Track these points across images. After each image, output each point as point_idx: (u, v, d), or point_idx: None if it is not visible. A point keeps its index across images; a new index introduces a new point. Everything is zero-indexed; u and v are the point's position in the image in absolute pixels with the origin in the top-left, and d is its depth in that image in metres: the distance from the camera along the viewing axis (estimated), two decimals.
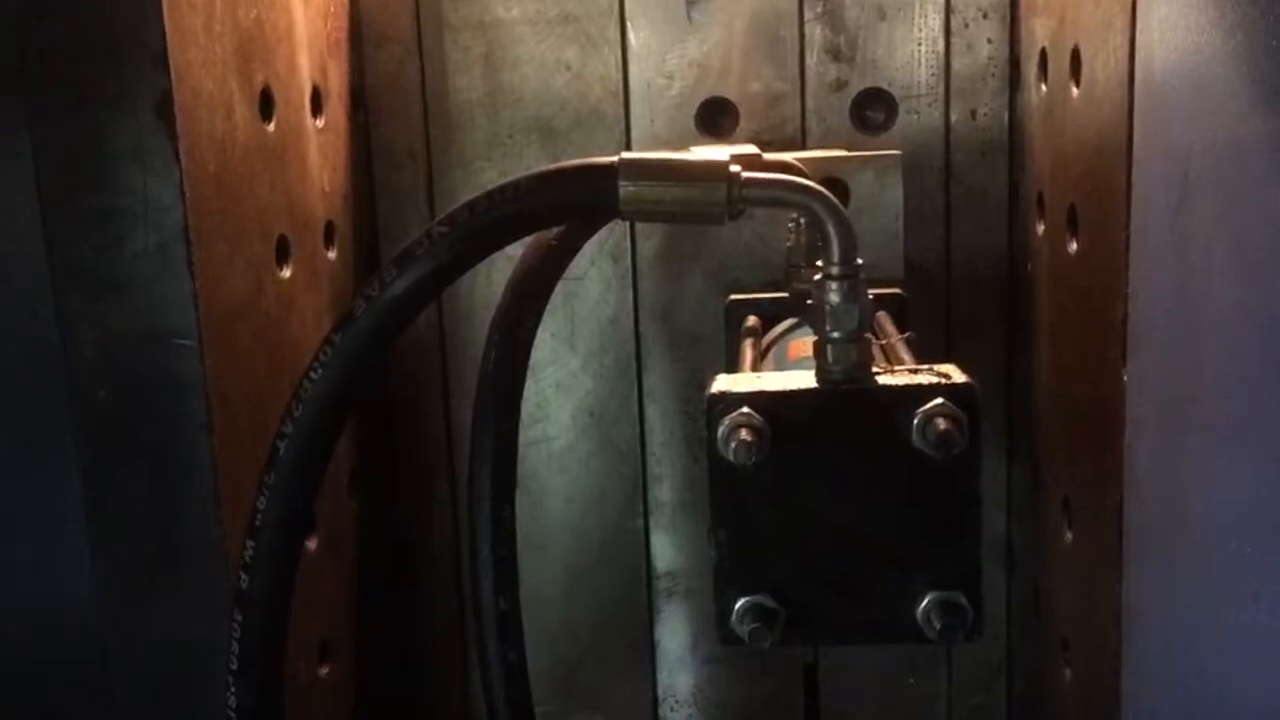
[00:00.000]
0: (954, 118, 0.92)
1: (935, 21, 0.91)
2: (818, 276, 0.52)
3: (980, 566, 0.50)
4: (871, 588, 0.50)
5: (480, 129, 0.86)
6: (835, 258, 0.51)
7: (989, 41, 0.92)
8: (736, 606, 0.50)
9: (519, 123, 0.86)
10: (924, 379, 0.50)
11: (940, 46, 0.91)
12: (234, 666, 0.59)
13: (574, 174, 0.57)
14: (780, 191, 0.54)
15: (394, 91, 0.86)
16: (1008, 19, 0.91)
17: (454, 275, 0.56)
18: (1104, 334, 0.67)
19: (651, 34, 0.83)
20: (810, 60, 0.92)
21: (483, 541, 0.61)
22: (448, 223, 0.55)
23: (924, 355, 0.60)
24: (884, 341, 0.64)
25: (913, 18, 0.91)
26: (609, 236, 0.90)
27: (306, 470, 0.58)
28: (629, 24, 0.82)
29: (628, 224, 0.86)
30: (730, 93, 0.85)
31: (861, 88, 0.92)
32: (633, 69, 0.84)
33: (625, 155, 0.56)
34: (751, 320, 0.78)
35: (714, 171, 0.55)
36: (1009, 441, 0.96)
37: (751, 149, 0.71)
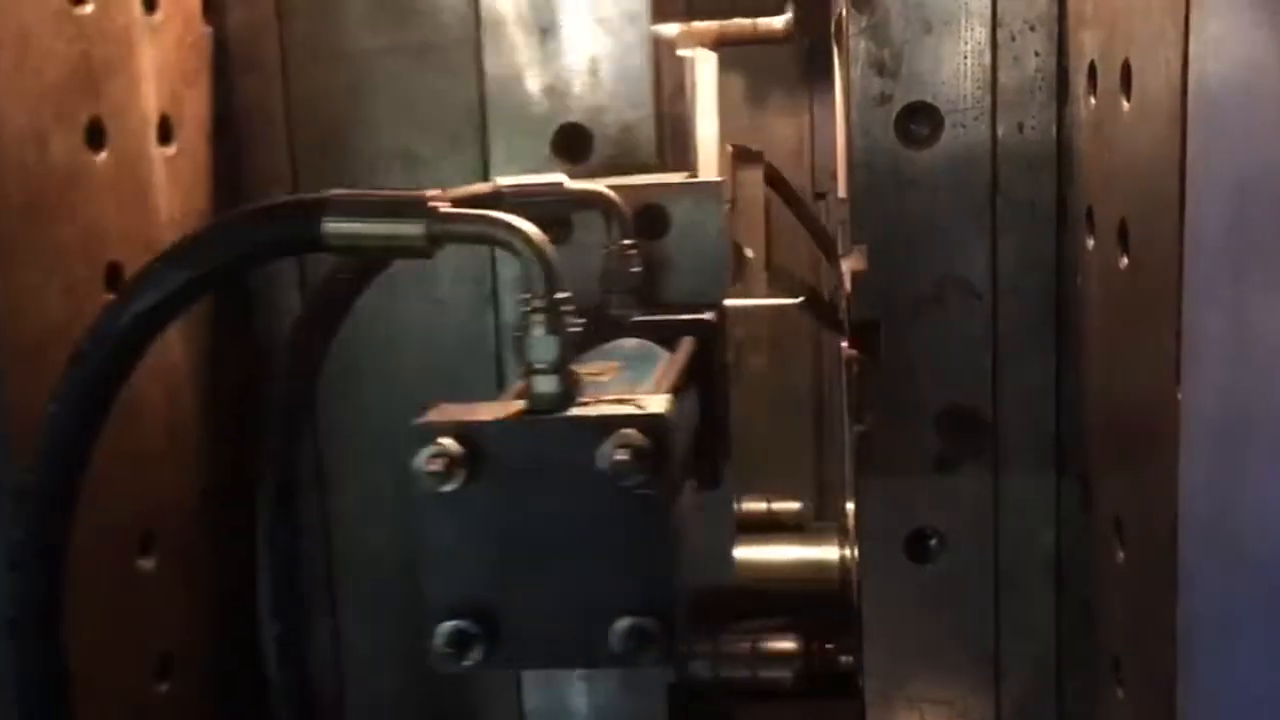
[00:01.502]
0: (1001, 131, 0.92)
1: (981, 34, 0.91)
2: (522, 309, 0.54)
3: (674, 592, 0.51)
4: (568, 612, 0.51)
5: (346, 156, 0.87)
6: (536, 291, 0.53)
7: (1036, 54, 0.91)
8: (439, 629, 0.52)
9: (382, 150, 0.87)
10: (615, 409, 0.51)
11: (987, 59, 0.91)
12: None
13: (281, 211, 0.60)
14: (481, 227, 0.56)
15: (261, 119, 0.88)
16: (1056, 31, 0.90)
17: (174, 311, 0.58)
18: (1157, 351, 0.66)
19: (508, 62, 0.83)
20: (855, 74, 0.92)
21: (262, 567, 0.62)
22: (165, 260, 0.58)
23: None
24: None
25: (959, 30, 0.90)
26: (472, 259, 0.90)
27: (51, 506, 0.58)
28: (485, 52, 0.83)
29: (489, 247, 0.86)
30: (585, 119, 0.84)
31: (906, 101, 0.91)
32: (490, 96, 0.84)
33: (334, 192, 0.58)
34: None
35: (413, 207, 0.56)
36: (1057, 459, 0.95)
37: (559, 178, 0.71)
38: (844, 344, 1.04)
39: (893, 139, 0.91)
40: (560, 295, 0.52)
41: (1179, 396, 0.63)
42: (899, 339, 0.94)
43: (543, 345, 0.52)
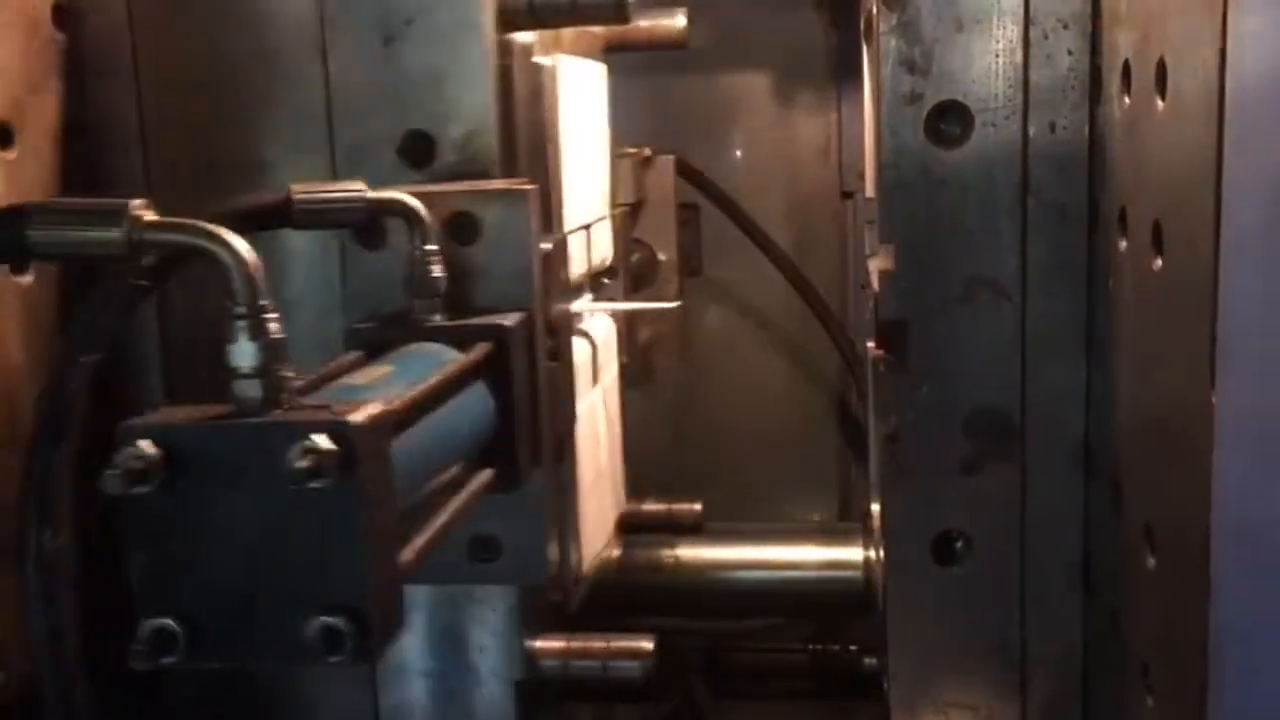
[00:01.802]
0: (1032, 131, 0.91)
1: (1014, 32, 0.90)
2: (227, 317, 0.55)
3: (367, 591, 0.52)
4: (264, 612, 0.52)
5: (196, 160, 0.88)
6: (237, 299, 0.54)
7: (1069, 53, 0.90)
8: (140, 628, 0.53)
9: (233, 153, 0.88)
10: (305, 416, 0.52)
11: (1019, 58, 0.90)
12: None
13: None
14: (183, 235, 0.57)
15: (114, 124, 0.89)
16: (1089, 29, 0.89)
17: None
18: (1190, 354, 0.65)
19: (353, 69, 0.84)
20: (884, 72, 0.91)
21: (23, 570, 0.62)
22: None
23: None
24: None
25: (991, 28, 0.89)
26: (324, 261, 0.90)
27: None
28: (330, 59, 0.83)
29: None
30: (428, 126, 0.84)
31: (937, 100, 0.90)
32: (335, 103, 0.84)
33: (36, 201, 0.60)
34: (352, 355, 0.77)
35: (113, 215, 0.57)
36: (1086, 462, 0.94)
37: (358, 185, 0.72)
38: (870, 344, 1.04)
39: (922, 138, 0.91)
40: (262, 303, 0.54)
41: (1212, 400, 0.62)
42: (927, 340, 0.93)
43: (244, 351, 0.53)
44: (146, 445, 0.51)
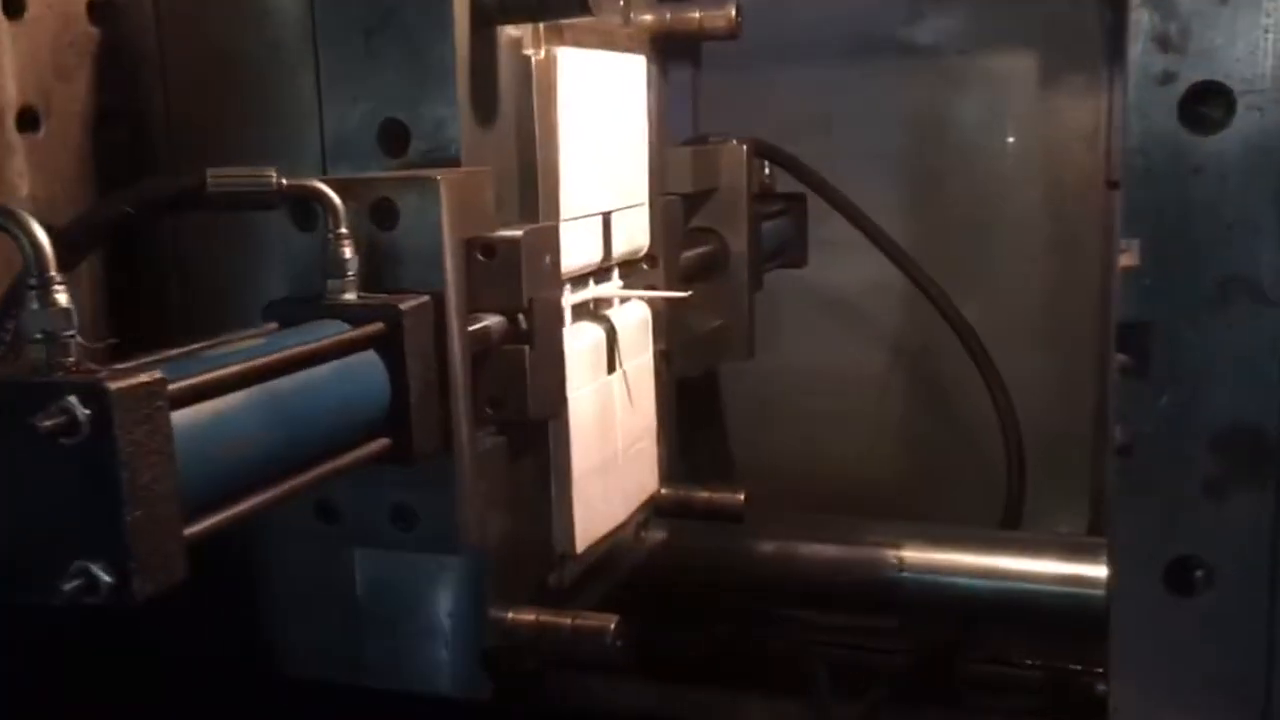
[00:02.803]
0: None
1: None
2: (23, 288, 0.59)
3: (124, 541, 0.56)
4: (34, 554, 0.57)
5: (212, 146, 0.94)
6: (30, 271, 0.58)
7: None
8: None
9: (242, 139, 0.94)
10: (71, 378, 0.56)
11: None
12: None
13: None
14: None
15: (143, 112, 0.97)
16: None
17: None
18: None
19: (339, 60, 0.88)
20: (1135, 49, 0.83)
21: None
22: None
23: None
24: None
25: (1259, 1, 0.80)
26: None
27: None
28: (320, 50, 0.89)
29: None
30: (403, 115, 0.87)
31: (1193, 81, 0.81)
32: (325, 93, 0.89)
33: None
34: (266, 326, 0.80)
35: None
36: None
37: (269, 170, 0.77)
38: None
39: (1175, 123, 0.82)
40: (51, 274, 0.58)
41: None
42: (1174, 345, 0.85)
43: (35, 318, 0.58)
44: None
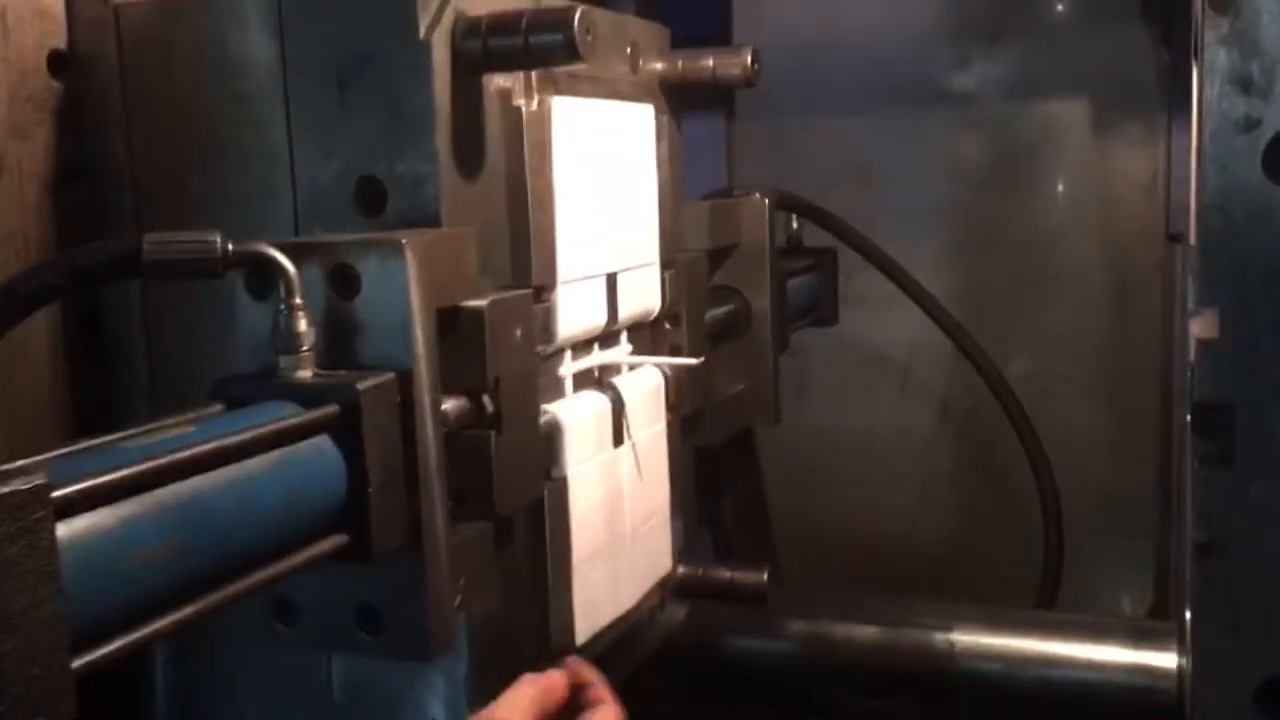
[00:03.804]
0: None
1: None
2: None
3: None
4: None
5: (181, 202, 0.89)
6: None
7: None
8: None
9: (212, 197, 0.88)
10: None
11: None
12: None
13: None
14: None
15: (109, 167, 0.91)
16: None
17: None
18: None
19: (310, 112, 0.82)
20: (1211, 92, 0.73)
21: None
22: None
23: None
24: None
25: None
26: None
27: None
28: (291, 101, 0.83)
29: None
30: (380, 173, 0.80)
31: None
32: (296, 147, 0.83)
33: None
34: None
35: None
36: None
37: (212, 235, 0.69)
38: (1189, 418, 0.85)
39: (1259, 175, 0.72)
40: None
41: None
42: (1260, 429, 0.74)
43: None
44: None
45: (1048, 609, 1.59)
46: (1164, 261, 1.63)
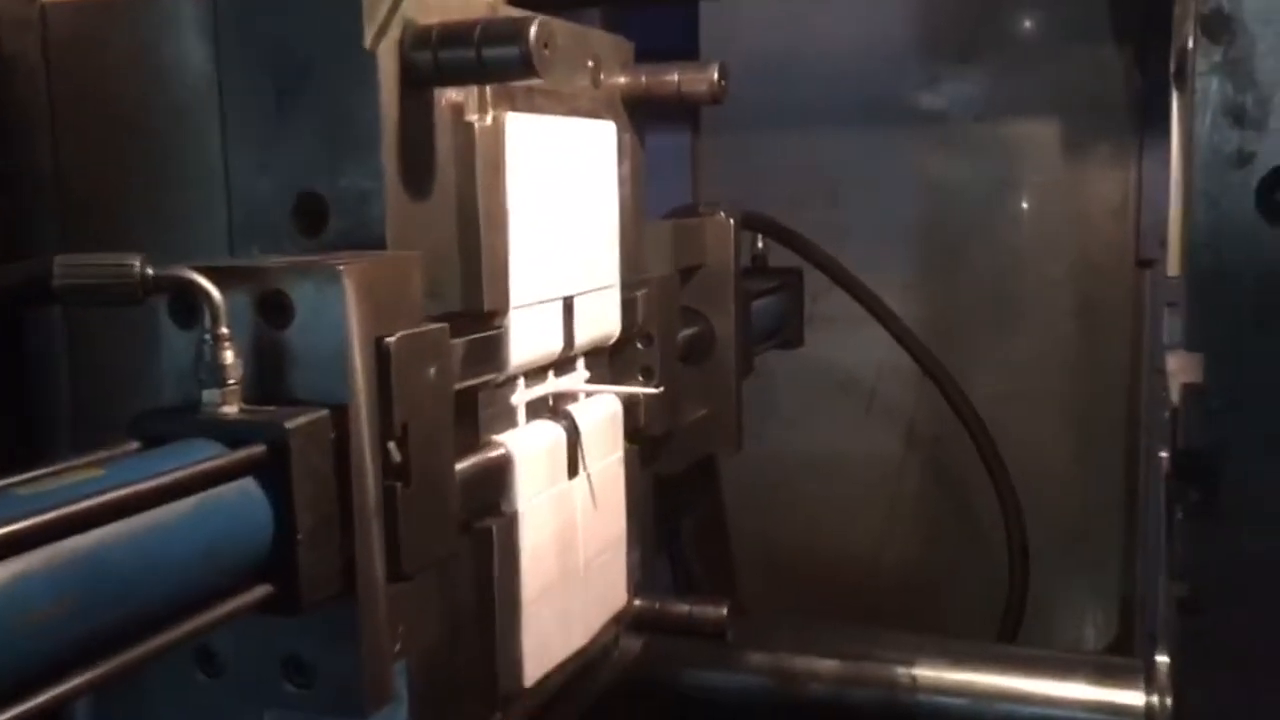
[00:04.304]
0: None
1: None
2: None
3: None
4: None
5: (107, 212, 0.84)
6: None
7: None
8: None
9: (142, 209, 0.82)
10: None
11: None
12: None
13: None
14: None
15: (33, 173, 0.86)
16: None
17: None
18: None
19: (247, 122, 0.77)
20: (1201, 124, 0.69)
21: None
22: None
23: None
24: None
25: None
26: None
27: None
28: (226, 110, 0.78)
29: None
30: (322, 189, 0.76)
31: (1276, 163, 0.68)
32: (232, 159, 0.79)
33: None
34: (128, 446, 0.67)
35: None
36: None
37: (131, 259, 0.65)
38: (1163, 455, 0.81)
39: (1253, 212, 0.68)
40: None
41: None
42: (1247, 481, 0.70)
43: None
44: None
45: (1010, 639, 1.57)
46: (1133, 286, 1.61)
